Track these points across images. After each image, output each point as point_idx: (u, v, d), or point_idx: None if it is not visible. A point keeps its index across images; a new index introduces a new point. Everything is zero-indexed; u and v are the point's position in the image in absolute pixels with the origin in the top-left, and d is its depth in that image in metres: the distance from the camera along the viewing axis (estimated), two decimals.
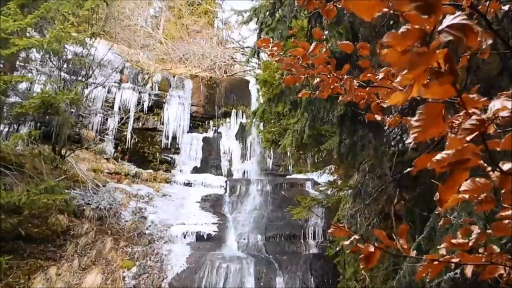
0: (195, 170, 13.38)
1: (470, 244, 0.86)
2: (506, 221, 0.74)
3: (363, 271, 5.69)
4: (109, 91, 13.24)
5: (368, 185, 5.13)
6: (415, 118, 0.60)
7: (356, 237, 0.91)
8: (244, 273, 7.42)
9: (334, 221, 6.46)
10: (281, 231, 9.32)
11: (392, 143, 6.29)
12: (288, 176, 13.13)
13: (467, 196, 0.66)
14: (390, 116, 1.97)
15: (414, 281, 2.65)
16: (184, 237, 9.01)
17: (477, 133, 0.57)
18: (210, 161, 13.91)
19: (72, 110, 10.52)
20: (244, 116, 15.12)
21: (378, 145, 4.23)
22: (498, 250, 0.86)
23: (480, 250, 0.89)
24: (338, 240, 5.76)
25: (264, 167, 14.05)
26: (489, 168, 0.64)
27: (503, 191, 0.64)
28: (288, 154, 8.23)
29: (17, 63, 9.57)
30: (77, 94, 8.49)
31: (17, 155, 8.86)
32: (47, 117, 10.27)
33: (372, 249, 0.88)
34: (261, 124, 8.61)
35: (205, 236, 9.08)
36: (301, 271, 7.59)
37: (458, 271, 2.34)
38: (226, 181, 12.33)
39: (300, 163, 11.00)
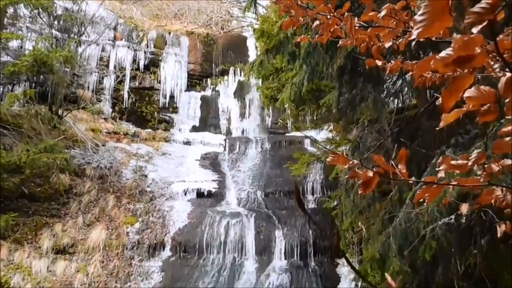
0: (194, 129, 13.38)
1: (470, 163, 0.86)
2: (507, 138, 0.73)
3: (359, 223, 5.85)
4: (103, 50, 12.94)
5: (367, 140, 5.15)
6: (419, 13, 0.57)
7: (355, 161, 0.92)
8: (244, 227, 7.62)
9: (332, 175, 6.56)
10: (280, 187, 9.47)
11: (391, 98, 6.25)
12: (287, 134, 13.17)
13: (470, 105, 0.64)
14: (391, 62, 1.93)
15: (409, 228, 2.73)
16: (185, 194, 9.17)
17: (486, 22, 0.53)
18: (208, 120, 13.88)
19: (67, 69, 10.33)
20: (242, 74, 14.90)
21: (378, 96, 4.19)
22: (497, 169, 0.87)
23: (479, 173, 0.89)
24: (336, 194, 5.87)
25: (263, 126, 14.04)
26: (496, 67, 0.62)
27: (507, 100, 0.63)
28: (287, 110, 8.20)
29: (5, 20, 9.28)
30: (70, 52, 8.32)
31: (14, 115, 8.82)
32: (41, 76, 10.12)
33: (370, 174, 0.88)
34: (260, 80, 8.51)
35: (205, 193, 9.23)
36: (299, 224, 7.80)
37: (452, 216, 2.40)
38: (225, 140, 12.37)
39: (299, 120, 11.00)
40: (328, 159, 0.90)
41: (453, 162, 0.88)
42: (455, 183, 0.90)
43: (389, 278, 0.75)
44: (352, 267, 0.81)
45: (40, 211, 7.95)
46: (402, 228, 2.75)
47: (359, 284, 6.66)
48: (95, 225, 7.87)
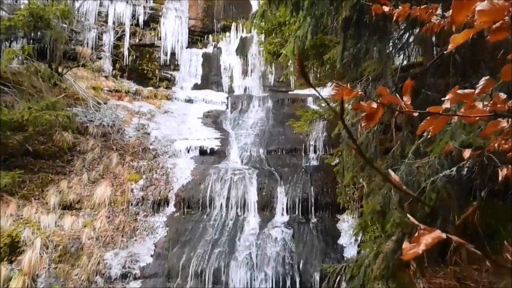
0: (196, 87, 13.25)
1: (477, 91, 0.83)
2: None
3: (361, 179, 5.90)
4: (101, 4, 12.57)
5: (371, 95, 5.08)
6: None
7: (360, 92, 0.88)
8: (246, 183, 7.72)
9: (335, 132, 6.54)
10: (282, 145, 9.50)
11: (397, 55, 6.10)
12: (289, 92, 13.03)
13: (481, 22, 0.60)
14: (399, 8, 1.84)
15: (411, 181, 2.74)
16: (188, 151, 9.22)
17: None
18: (210, 77, 13.70)
19: (64, 24, 10.09)
20: (245, 30, 14.51)
21: (383, 49, 4.08)
22: (505, 96, 0.84)
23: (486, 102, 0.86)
24: (338, 150, 5.88)
25: (265, 83, 13.87)
26: None
27: None
28: (290, 67, 8.04)
29: None
30: (66, 5, 8.06)
31: (14, 73, 8.72)
32: (38, 32, 9.90)
33: (374, 105, 0.86)
34: (262, 36, 8.29)
35: (208, 151, 9.29)
36: (301, 181, 7.88)
37: (454, 169, 2.40)
38: (227, 97, 12.27)
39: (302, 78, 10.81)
40: (333, 92, 0.87)
41: (459, 91, 0.85)
42: (460, 114, 0.87)
43: (411, 218, 0.75)
44: None
45: (45, 168, 8.05)
46: (403, 181, 2.76)
47: (359, 238, 6.85)
48: (100, 182, 7.99)
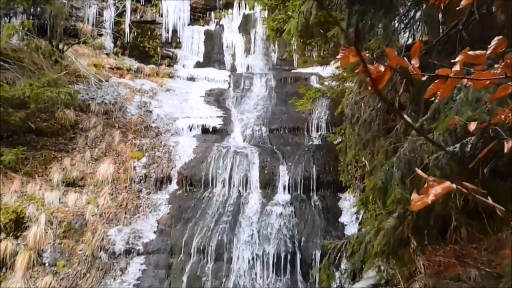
0: (198, 64, 13.12)
1: (488, 52, 0.80)
2: None
3: (363, 158, 5.88)
4: None
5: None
6: None
7: (367, 54, 0.85)
8: (249, 161, 7.73)
9: (338, 111, 6.49)
10: (285, 124, 9.47)
11: (402, 33, 5.98)
12: (292, 71, 12.91)
13: None
14: None
15: (413, 158, 2.72)
16: (190, 129, 9.21)
17: None
18: (212, 55, 13.55)
19: (64, 0, 9.92)
20: (247, 7, 14.26)
21: (388, 24, 4.00)
22: None
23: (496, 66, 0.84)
24: (341, 128, 5.85)
25: (268, 62, 13.72)
26: None
27: None
28: (293, 44, 7.91)
29: None
30: None
31: (14, 49, 8.65)
32: (38, 8, 9.76)
33: (382, 68, 0.83)
34: (266, 12, 8.13)
35: (211, 129, 9.27)
36: (303, 160, 7.89)
37: (457, 145, 2.38)
38: (229, 76, 12.17)
39: (305, 56, 10.68)
40: (338, 56, 0.84)
41: (470, 52, 0.82)
42: (470, 77, 0.85)
43: (419, 171, 0.73)
44: None
45: (48, 146, 8.07)
46: (406, 158, 2.75)
47: (360, 217, 6.90)
48: (103, 160, 8.02)
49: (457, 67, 0.82)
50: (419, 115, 3.92)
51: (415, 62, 0.85)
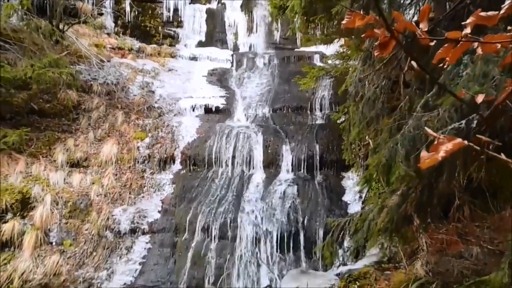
0: (200, 44, 12.95)
1: (501, 12, 0.76)
2: None
3: (367, 136, 5.85)
4: None
5: None
6: None
7: (374, 15, 0.82)
8: (252, 141, 7.72)
9: (341, 89, 6.42)
10: (288, 103, 9.41)
11: (407, 10, 5.84)
12: (296, 50, 12.74)
13: None
14: None
15: (418, 135, 2.69)
16: (193, 109, 9.18)
17: None
18: (215, 34, 13.36)
19: None
20: None
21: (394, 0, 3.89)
22: None
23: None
24: (344, 106, 5.80)
25: (271, 41, 13.53)
26: None
27: None
28: (296, 22, 7.77)
29: None
30: None
31: (14, 30, 8.55)
32: None
33: (388, 34, 0.79)
34: None
35: (213, 109, 9.23)
36: (307, 139, 7.87)
37: (463, 122, 2.34)
38: (232, 55, 12.03)
39: (309, 34, 10.50)
40: (344, 22, 0.80)
41: (482, 13, 0.78)
42: (480, 40, 0.81)
43: (428, 129, 0.71)
44: None
45: (52, 127, 8.08)
46: (411, 135, 2.72)
47: (363, 195, 6.92)
48: (106, 140, 8.03)
49: (467, 30, 0.78)
50: (424, 92, 3.87)
51: (423, 26, 0.81)
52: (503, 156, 0.81)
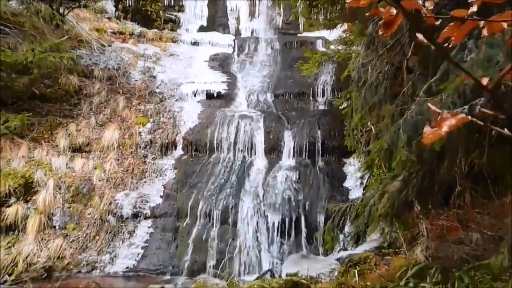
0: (202, 29, 12.84)
1: None
2: None
3: (369, 122, 5.83)
4: None
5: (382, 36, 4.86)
6: None
7: None
8: (254, 127, 7.71)
9: (344, 75, 6.38)
10: (290, 89, 9.36)
11: None
12: (298, 35, 12.61)
13: None
14: None
15: (420, 120, 2.68)
16: (195, 95, 9.14)
17: None
18: (216, 19, 13.23)
19: None
20: None
21: None
22: None
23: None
24: (347, 91, 5.77)
25: (273, 26, 13.39)
26: None
27: None
28: (298, 6, 7.68)
29: None
30: None
31: (14, 14, 8.47)
32: None
33: (394, 11, 0.78)
34: None
35: (215, 94, 9.19)
36: (309, 125, 7.85)
37: (466, 107, 2.32)
38: (234, 40, 11.92)
39: (311, 19, 10.37)
40: (348, 1, 0.78)
41: None
42: (486, 19, 0.80)
43: (432, 105, 0.70)
44: None
45: (53, 112, 8.08)
46: (413, 120, 2.70)
47: (364, 182, 6.93)
48: (108, 125, 8.03)
49: (474, 8, 0.77)
50: (427, 77, 3.83)
51: (429, 4, 0.79)
52: (506, 131, 0.80)
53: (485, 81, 1.19)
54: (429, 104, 0.80)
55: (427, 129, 0.71)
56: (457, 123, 0.69)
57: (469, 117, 0.68)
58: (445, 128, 0.69)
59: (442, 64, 3.31)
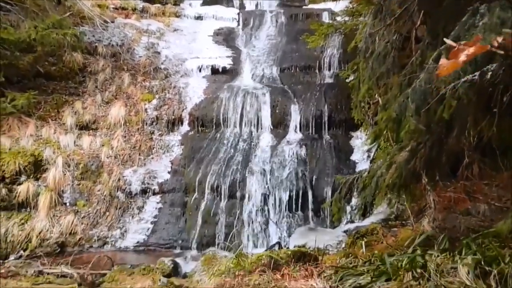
0: (205, 2, 12.57)
1: None
2: None
3: (376, 94, 5.75)
4: None
5: (391, 3, 4.72)
6: None
7: None
8: (260, 101, 7.65)
9: (351, 46, 6.25)
10: (296, 62, 9.22)
11: None
12: (304, 7, 12.33)
13: None
14: None
15: (429, 89, 2.63)
16: (200, 70, 9.06)
17: None
18: None
19: None
20: None
21: None
22: None
23: None
24: (354, 63, 5.67)
25: None
26: None
27: None
28: None
29: None
30: None
31: None
32: None
33: None
34: None
35: (220, 69, 9.09)
36: (315, 99, 7.78)
37: (477, 73, 2.27)
38: (238, 14, 11.69)
39: None
40: None
41: None
42: None
43: (448, 40, 0.68)
44: None
45: (59, 90, 8.08)
46: (422, 89, 2.65)
47: (371, 154, 6.91)
48: (114, 103, 8.03)
49: None
50: (437, 46, 3.73)
51: None
52: None
53: (496, 42, 1.15)
54: (445, 39, 0.77)
55: (443, 61, 0.68)
56: (475, 51, 0.66)
57: (488, 46, 0.65)
58: (462, 58, 0.66)
59: (453, 31, 3.21)
